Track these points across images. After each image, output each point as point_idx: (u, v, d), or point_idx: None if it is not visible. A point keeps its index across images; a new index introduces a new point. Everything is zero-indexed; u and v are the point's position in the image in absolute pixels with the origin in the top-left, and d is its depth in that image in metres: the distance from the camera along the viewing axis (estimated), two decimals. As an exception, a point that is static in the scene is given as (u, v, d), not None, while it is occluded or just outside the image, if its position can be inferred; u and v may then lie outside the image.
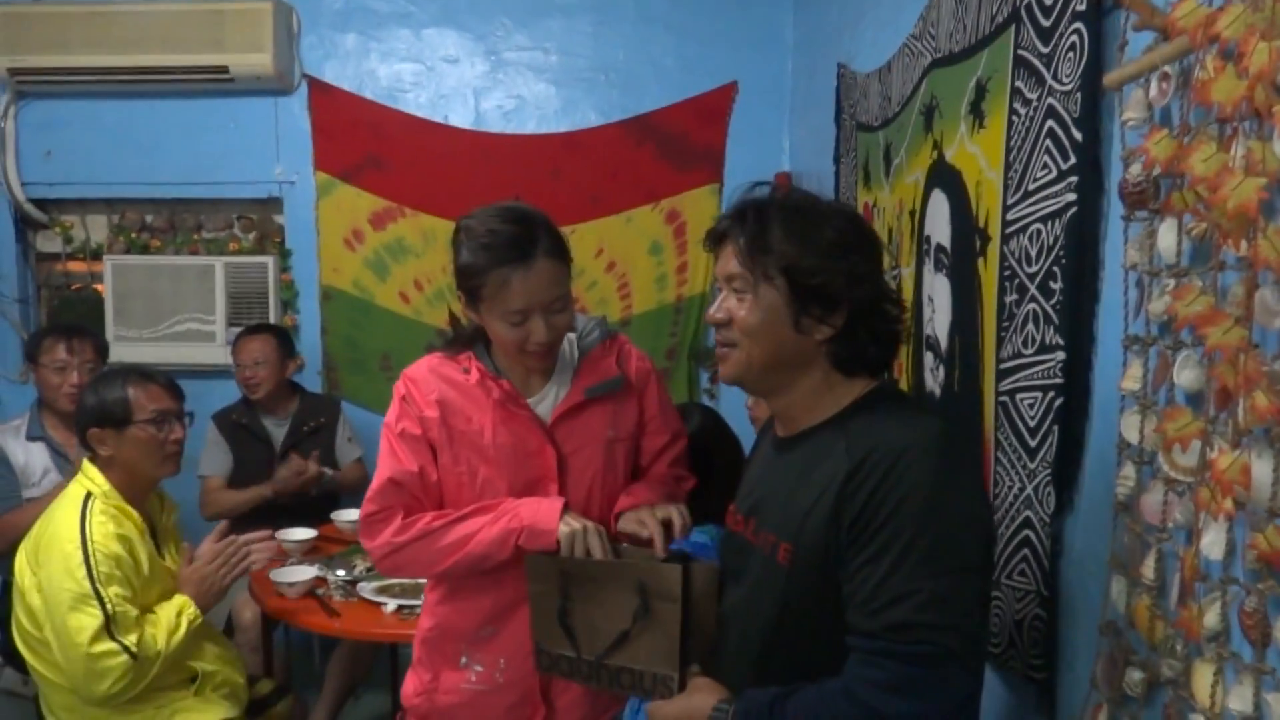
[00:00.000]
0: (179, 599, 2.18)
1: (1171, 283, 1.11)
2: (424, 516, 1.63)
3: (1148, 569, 1.18)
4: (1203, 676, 1.05)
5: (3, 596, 2.88)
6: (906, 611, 1.09)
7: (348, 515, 3.09)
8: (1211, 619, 1.04)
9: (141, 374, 2.25)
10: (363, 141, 3.86)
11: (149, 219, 4.03)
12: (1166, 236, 1.14)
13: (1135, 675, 1.20)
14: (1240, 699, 0.99)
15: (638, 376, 1.75)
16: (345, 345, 3.96)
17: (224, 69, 3.64)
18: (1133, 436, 1.21)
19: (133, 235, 4.00)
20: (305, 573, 2.65)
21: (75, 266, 4.09)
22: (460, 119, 3.88)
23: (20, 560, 2.12)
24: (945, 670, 1.09)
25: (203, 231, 4.02)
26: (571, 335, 1.71)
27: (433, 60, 3.88)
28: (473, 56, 3.87)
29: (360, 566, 2.76)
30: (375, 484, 1.66)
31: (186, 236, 4.00)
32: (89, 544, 2.03)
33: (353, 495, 3.50)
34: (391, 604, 2.50)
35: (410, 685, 1.77)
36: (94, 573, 2.01)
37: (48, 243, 4.05)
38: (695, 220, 3.84)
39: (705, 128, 3.84)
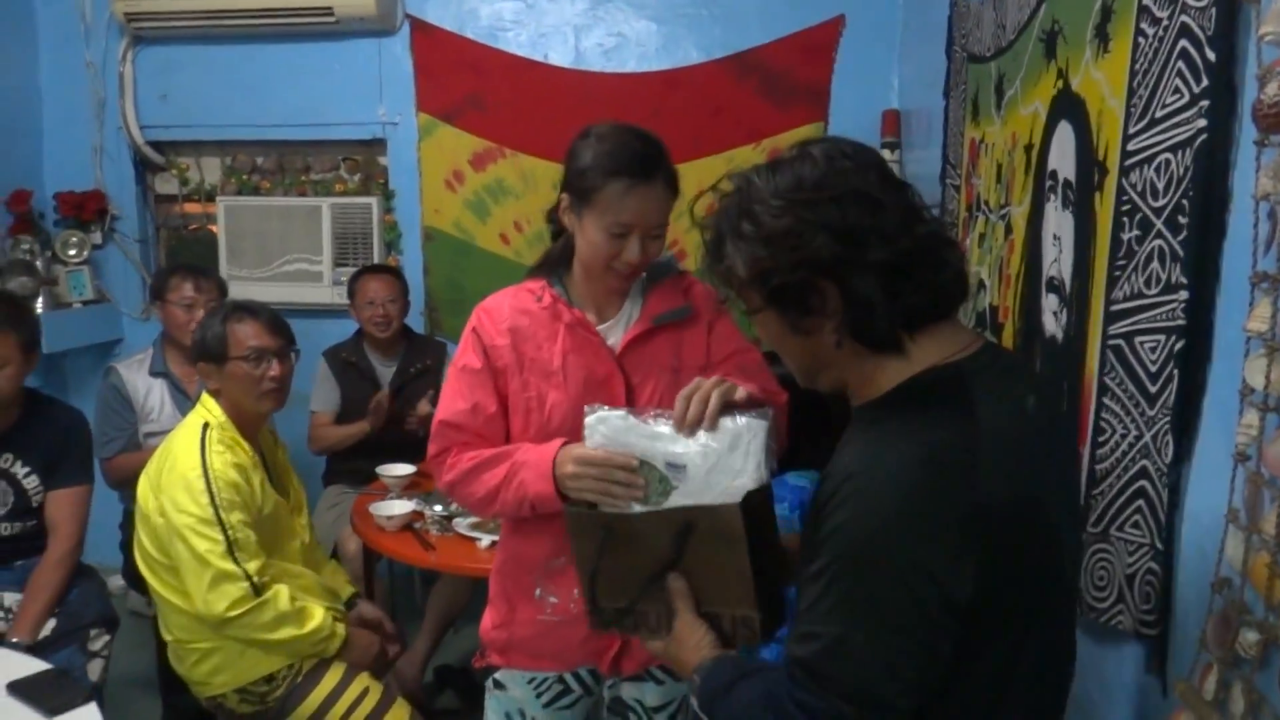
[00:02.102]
0: (337, 627, 2.27)
1: (1309, 212, 1.01)
2: (462, 459, 1.64)
3: (1269, 523, 1.09)
4: (1326, 639, 0.97)
5: (124, 523, 3.05)
6: (809, 652, 1.01)
7: (446, 452, 3.16)
8: (1339, 578, 0.95)
9: (244, 310, 2.31)
10: (463, 82, 3.87)
11: (259, 161, 4.13)
12: (1305, 161, 1.03)
13: (1250, 636, 1.12)
14: (1368, 664, 0.91)
15: (705, 310, 1.73)
16: (446, 286, 4.01)
17: (328, 9, 3.68)
18: (1257, 381, 1.12)
19: (244, 177, 4.11)
20: (403, 507, 2.73)
21: (191, 208, 4.24)
22: (560, 58, 3.85)
23: (143, 485, 2.22)
24: None
25: (310, 173, 4.10)
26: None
27: (533, -2, 3.84)
28: (573, -7, 3.82)
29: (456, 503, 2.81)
30: (433, 426, 1.69)
31: (294, 178, 4.09)
32: (209, 471, 2.12)
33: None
34: (486, 539, 2.55)
35: (488, 619, 1.79)
36: (216, 499, 2.10)
37: (165, 184, 4.20)
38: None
39: (810, 64, 3.72)
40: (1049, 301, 1.95)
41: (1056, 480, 1.13)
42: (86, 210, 3.98)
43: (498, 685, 1.80)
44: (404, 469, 3.01)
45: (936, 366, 1.07)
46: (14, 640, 2.32)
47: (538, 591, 1.71)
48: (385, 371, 3.48)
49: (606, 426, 1.44)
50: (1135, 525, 1.46)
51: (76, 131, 4.03)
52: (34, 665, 1.92)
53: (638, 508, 1.40)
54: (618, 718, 1.82)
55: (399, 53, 3.88)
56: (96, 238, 4.04)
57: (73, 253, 3.93)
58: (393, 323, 3.43)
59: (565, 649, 1.70)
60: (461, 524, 2.64)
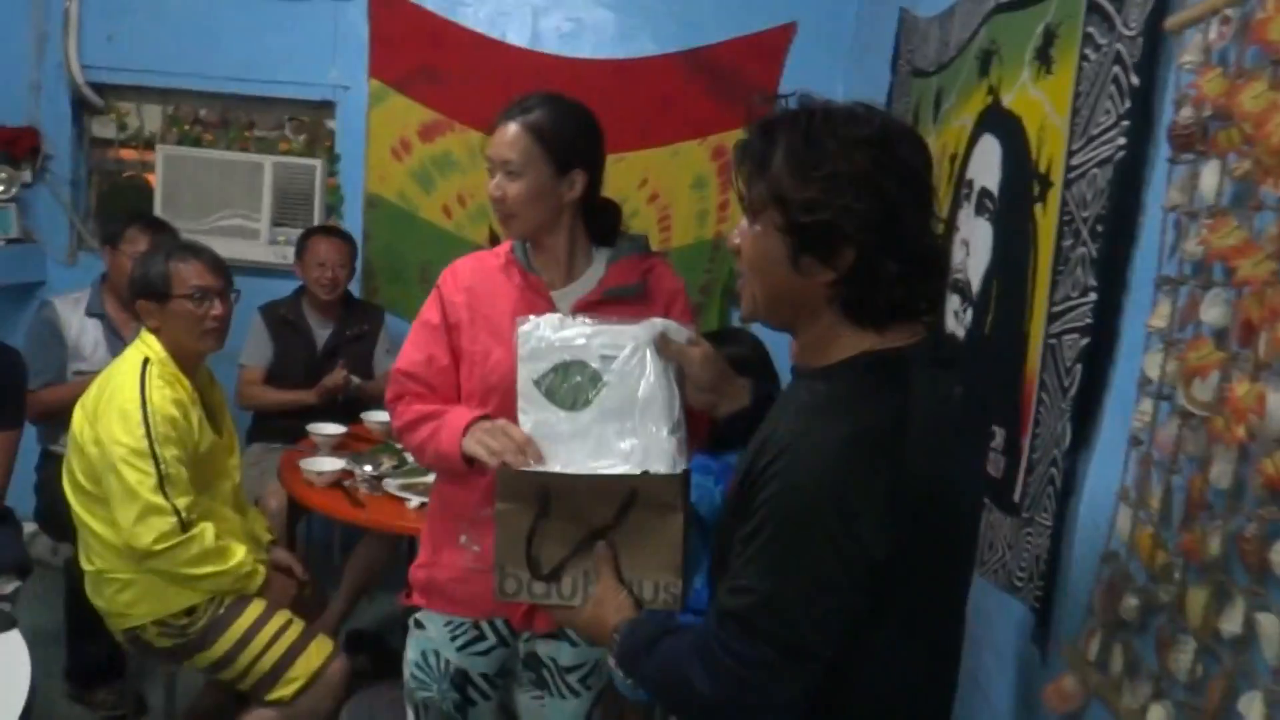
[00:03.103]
0: (258, 566, 2.30)
1: (1210, 222, 1.14)
2: (410, 409, 1.73)
3: (1154, 499, 1.22)
4: (1197, 600, 1.10)
5: (41, 465, 3.01)
6: (742, 605, 1.09)
7: (377, 415, 3.18)
8: (1213, 545, 1.08)
9: (187, 249, 2.33)
10: (419, 52, 3.88)
11: (203, 113, 4.07)
12: (1209, 177, 1.16)
13: (1132, 601, 1.24)
14: (1231, 620, 1.04)
15: (662, 292, 1.79)
16: (386, 254, 4.02)
17: (288, -34, 3.67)
18: (1154, 373, 1.25)
19: (185, 127, 4.05)
20: (333, 464, 2.75)
21: (127, 154, 4.15)
22: (518, 37, 3.88)
23: (78, 416, 2.22)
24: (757, 674, 1.08)
25: (254, 130, 4.07)
26: (607, 250, 1.79)
27: (495, -25, 3.88)
28: (536, -26, 3.87)
29: (386, 464, 2.85)
30: (390, 372, 1.80)
31: (238, 133, 4.05)
32: (148, 405, 2.13)
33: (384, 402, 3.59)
34: (415, 500, 2.59)
35: (417, 560, 1.87)
36: (152, 432, 2.11)
37: (103, 128, 4.11)
38: (741, 159, 3.84)
39: (760, 66, 3.82)
40: (952, 301, 2.09)
41: (967, 464, 1.23)
42: (18, 147, 3.87)
43: (418, 625, 1.87)
44: (334, 428, 3.03)
45: (883, 349, 1.13)
46: None
47: (463, 538, 1.78)
48: (322, 333, 3.49)
49: (540, 330, 1.47)
50: (1044, 510, 1.59)
51: (14, 65, 3.91)
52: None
53: (563, 415, 1.45)
54: (532, 673, 1.88)
55: (356, 17, 3.87)
56: (26, 176, 3.92)
57: (0, 189, 3.83)
58: (339, 286, 3.45)
59: (480, 597, 1.68)
60: (391, 484, 2.68)
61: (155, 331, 2.26)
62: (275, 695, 2.24)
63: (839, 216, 1.06)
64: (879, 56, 3.15)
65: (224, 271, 2.36)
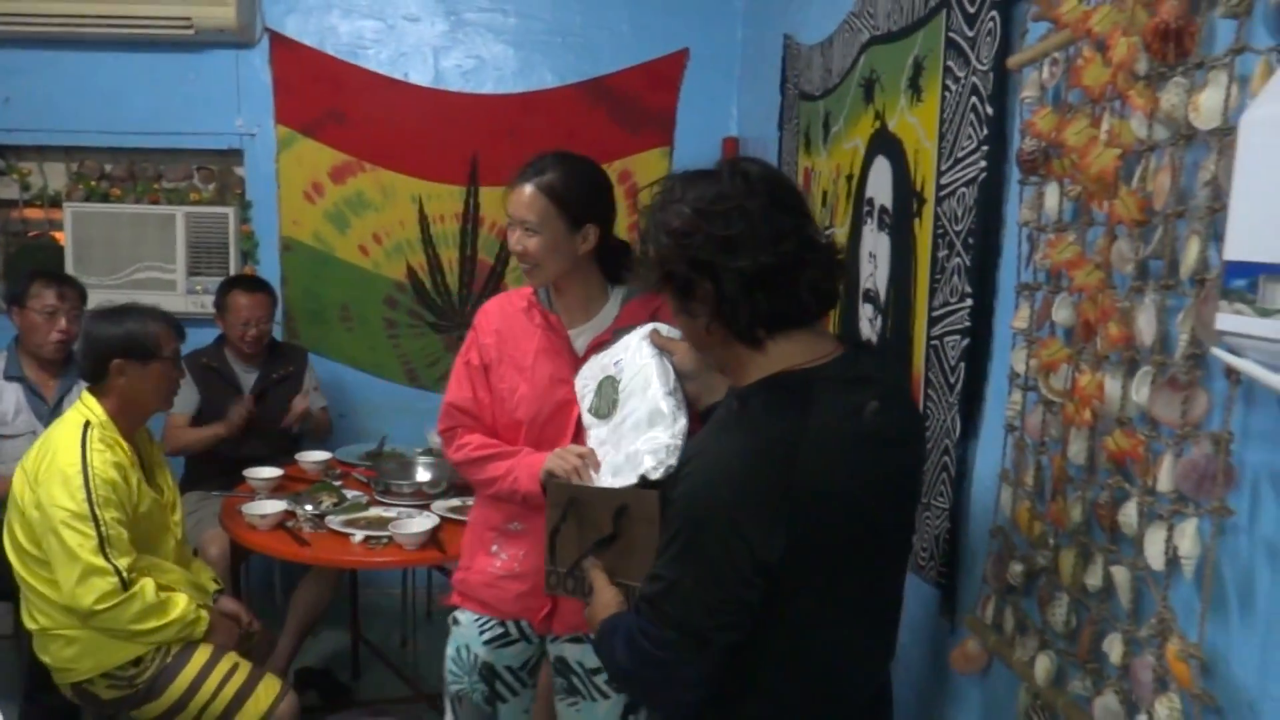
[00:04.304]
0: (200, 612, 2.34)
1: (1051, 238, 1.33)
2: (469, 443, 1.96)
3: (1028, 477, 1.40)
4: (1067, 561, 1.28)
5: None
6: (653, 591, 1.27)
7: (312, 456, 3.25)
8: (1076, 513, 1.26)
9: (162, 315, 2.41)
10: (324, 96, 3.96)
11: (108, 168, 4.08)
12: (1051, 198, 1.35)
13: (1016, 568, 1.43)
14: (1094, 575, 1.22)
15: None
16: (305, 296, 4.08)
17: (187, 20, 3.71)
18: (1020, 367, 1.43)
19: (92, 183, 4.05)
20: (275, 505, 2.81)
21: (32, 213, 4.13)
22: (420, 77, 3.99)
23: (19, 478, 2.26)
24: (664, 653, 1.26)
25: (163, 181, 4.08)
26: (622, 288, 1.97)
27: (394, 18, 3.98)
28: (433, 16, 3.98)
29: (326, 502, 2.92)
30: (442, 405, 2.02)
31: (147, 186, 4.06)
32: (89, 468, 2.18)
33: (317, 439, 3.66)
34: (359, 534, 2.67)
35: (459, 565, 2.11)
36: (92, 496, 2.16)
37: (4, 189, 4.08)
38: (645, 181, 4.00)
39: (657, 92, 4.01)
40: (865, 310, 2.27)
41: (884, 474, 1.30)
42: (-81, 212, 3.84)
43: (455, 622, 2.08)
44: (271, 471, 3.08)
45: (790, 370, 1.27)
46: None
47: (494, 548, 2.01)
48: (247, 378, 3.53)
49: (582, 377, 1.82)
50: (939, 494, 1.77)
51: (-93, 132, 3.89)
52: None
53: (604, 425, 1.73)
54: (563, 679, 2.03)
55: (258, 65, 3.93)
56: (-72, 241, 3.90)
57: (-98, 257, 3.78)
58: (262, 340, 3.51)
59: (503, 600, 2.00)
60: (334, 521, 2.75)
61: (108, 390, 2.30)
62: None
63: (683, 260, 1.25)
64: (768, 80, 3.35)
65: (183, 333, 2.46)
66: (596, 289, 1.94)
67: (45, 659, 2.32)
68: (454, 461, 2.02)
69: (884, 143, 2.21)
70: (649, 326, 1.74)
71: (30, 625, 2.32)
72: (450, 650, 2.08)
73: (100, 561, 2.16)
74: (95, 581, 2.16)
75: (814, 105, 2.80)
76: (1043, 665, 1.33)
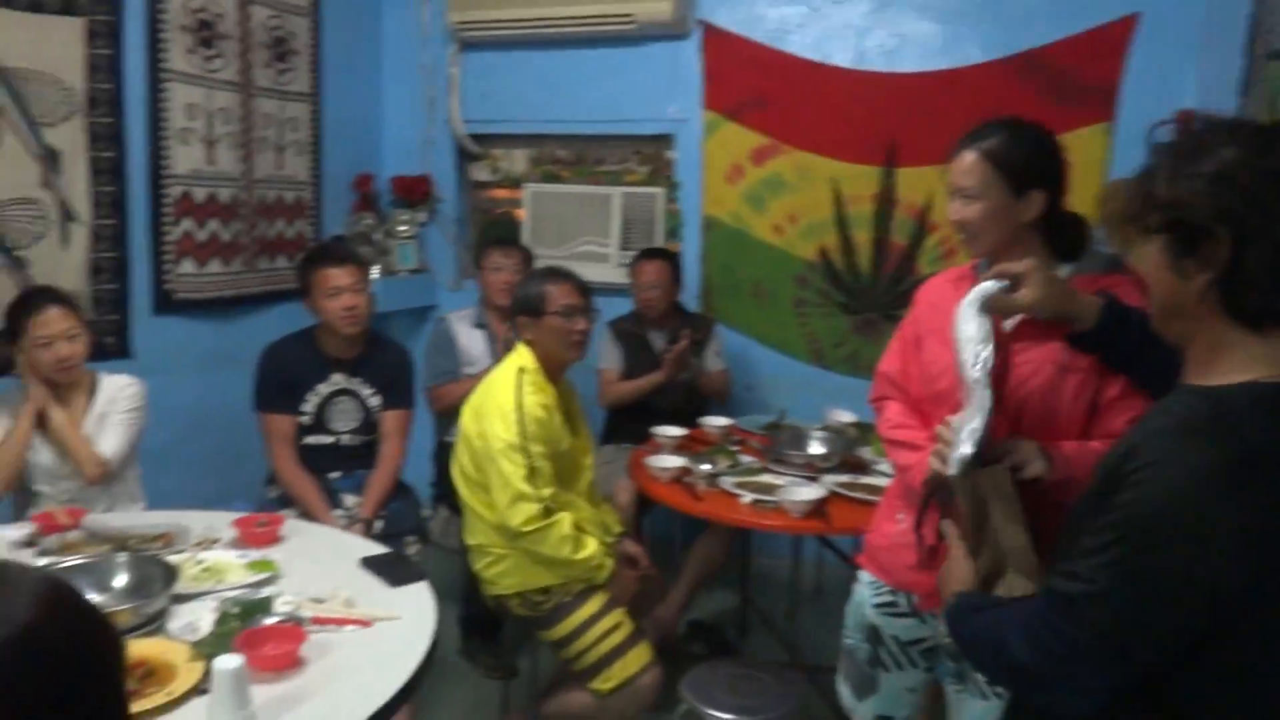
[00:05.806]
0: (607, 560, 2.58)
1: None
2: (889, 419, 2.02)
3: None
4: None
5: (436, 453, 3.57)
6: (1074, 590, 1.13)
7: (715, 420, 3.43)
8: None
9: (557, 273, 2.69)
10: (749, 82, 4.13)
11: (560, 153, 4.59)
12: None
13: None
14: None
15: None
16: (721, 271, 4.29)
17: (629, 15, 4.06)
18: None
19: (546, 167, 4.59)
20: (675, 461, 3.00)
21: (499, 193, 4.77)
22: (842, 58, 4.02)
23: (468, 413, 2.64)
24: (1069, 654, 1.13)
25: (604, 164, 4.52)
26: (1068, 266, 1.81)
27: (818, 2, 4.04)
28: (857, -3, 3.99)
29: (722, 464, 3.06)
30: (875, 373, 2.09)
31: (590, 168, 4.52)
32: (521, 407, 2.49)
33: (716, 402, 3.85)
34: (749, 496, 2.77)
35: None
36: (524, 430, 2.47)
37: (479, 172, 4.75)
38: (1079, 161, 3.69)
39: (1097, 63, 3.68)
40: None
41: None
42: (416, 193, 4.60)
43: (858, 580, 2.12)
44: (676, 430, 3.30)
45: (1271, 381, 1.10)
46: (364, 516, 2.90)
47: (899, 516, 2.00)
48: (659, 343, 3.81)
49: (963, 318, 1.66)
50: None
51: (410, 125, 4.66)
52: (377, 549, 2.34)
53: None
54: (953, 663, 1.95)
55: (690, 55, 4.20)
56: (422, 216, 4.65)
57: (403, 228, 4.54)
58: (655, 306, 3.77)
59: (895, 566, 1.99)
60: (727, 481, 2.88)
61: (529, 344, 2.63)
62: (593, 686, 2.51)
63: (1211, 209, 1.08)
64: (1229, 45, 2.94)
65: (587, 292, 2.70)
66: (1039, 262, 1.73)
67: (477, 569, 2.69)
68: (880, 434, 2.07)
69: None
70: (978, 291, 1.62)
71: (469, 541, 2.70)
72: (849, 605, 2.12)
73: (528, 488, 2.45)
74: (523, 506, 2.45)
75: (1285, 62, 2.42)
76: None
